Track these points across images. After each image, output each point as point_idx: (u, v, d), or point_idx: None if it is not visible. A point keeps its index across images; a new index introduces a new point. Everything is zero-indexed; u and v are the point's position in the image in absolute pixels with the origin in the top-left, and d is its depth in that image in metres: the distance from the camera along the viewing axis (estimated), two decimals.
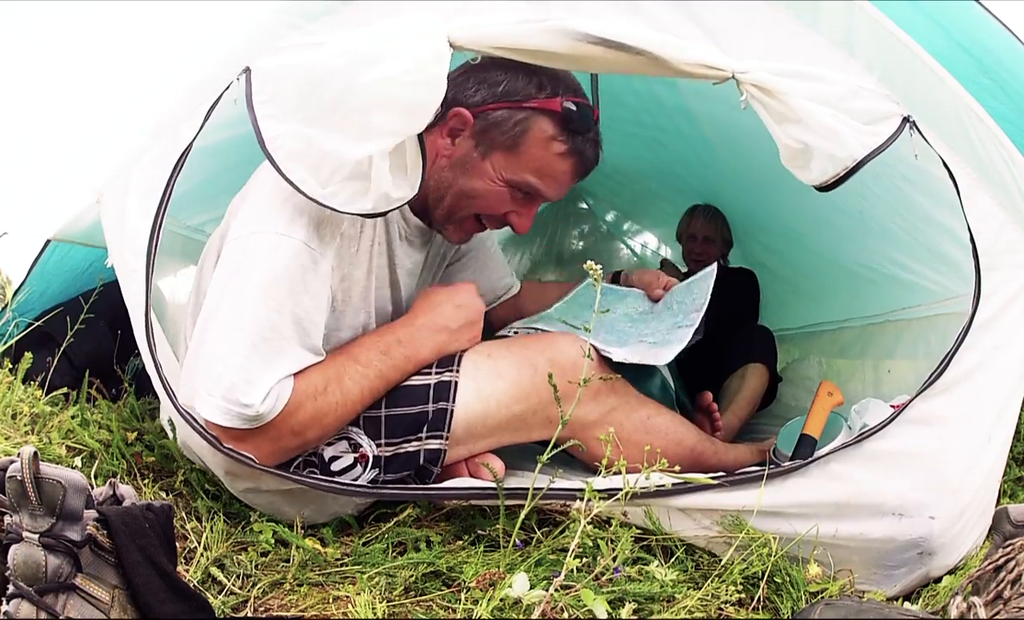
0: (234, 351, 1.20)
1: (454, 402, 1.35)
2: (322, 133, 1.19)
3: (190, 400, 1.24)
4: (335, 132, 1.19)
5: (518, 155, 1.38)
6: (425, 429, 1.35)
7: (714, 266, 1.73)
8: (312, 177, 1.20)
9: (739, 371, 2.43)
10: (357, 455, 1.35)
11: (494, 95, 1.37)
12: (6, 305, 1.74)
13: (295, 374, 1.26)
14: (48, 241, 1.80)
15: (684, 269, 3.07)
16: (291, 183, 1.20)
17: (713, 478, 1.27)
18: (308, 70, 1.20)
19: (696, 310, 1.59)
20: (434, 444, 1.36)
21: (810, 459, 1.29)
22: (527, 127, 1.37)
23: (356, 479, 1.36)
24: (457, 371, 1.38)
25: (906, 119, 1.26)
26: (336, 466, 1.35)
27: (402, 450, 1.36)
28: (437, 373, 1.39)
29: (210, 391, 1.20)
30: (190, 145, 1.29)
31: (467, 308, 1.44)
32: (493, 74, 1.39)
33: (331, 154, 1.20)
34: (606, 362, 1.44)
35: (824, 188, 1.27)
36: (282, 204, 1.25)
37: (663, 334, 1.59)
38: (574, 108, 1.37)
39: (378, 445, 1.36)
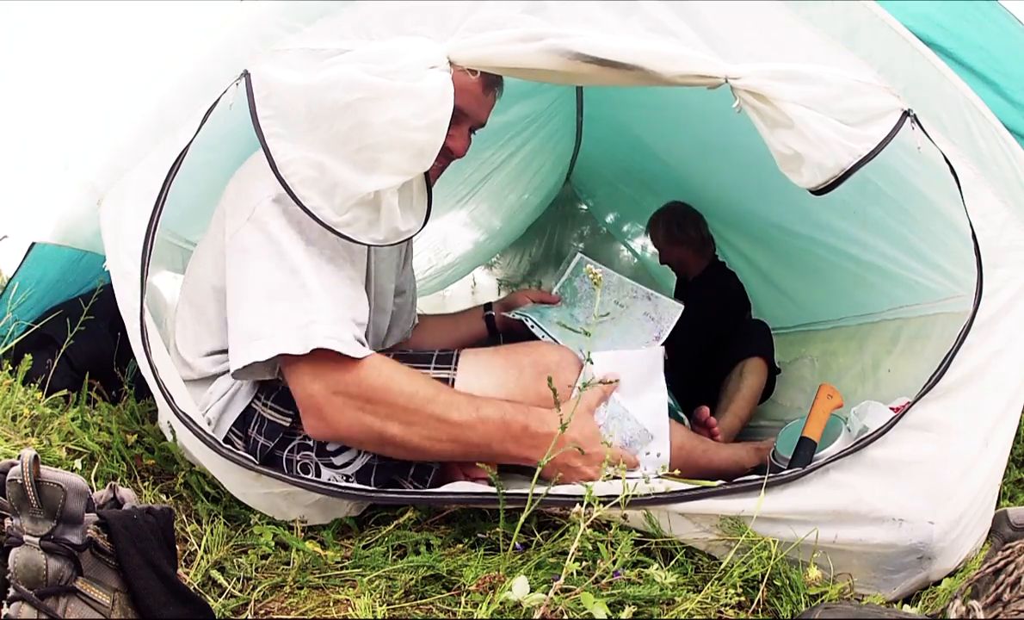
0: (284, 296, 1.28)
1: None
2: (334, 162, 1.24)
3: (250, 355, 1.28)
4: (347, 163, 1.25)
5: None
6: None
7: (681, 307, 1.86)
8: (327, 204, 1.26)
9: (737, 368, 2.42)
10: None
11: None
12: (4, 292, 1.74)
13: (394, 362, 1.33)
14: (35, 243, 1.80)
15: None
16: (307, 210, 1.26)
17: (714, 485, 1.27)
18: (317, 95, 1.22)
19: (656, 339, 1.74)
20: None
21: (810, 467, 1.29)
22: None
23: (351, 462, 1.39)
24: (455, 369, 1.44)
25: (906, 113, 1.26)
26: (332, 447, 1.39)
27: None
28: (436, 369, 1.43)
29: (271, 331, 1.26)
30: (186, 149, 1.30)
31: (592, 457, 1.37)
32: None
33: (343, 183, 1.25)
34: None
35: (817, 192, 1.28)
36: None
37: (629, 343, 1.76)
38: None
39: None
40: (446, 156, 1.50)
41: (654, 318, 1.82)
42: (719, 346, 2.58)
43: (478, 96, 1.46)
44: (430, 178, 1.41)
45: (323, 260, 1.32)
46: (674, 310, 1.84)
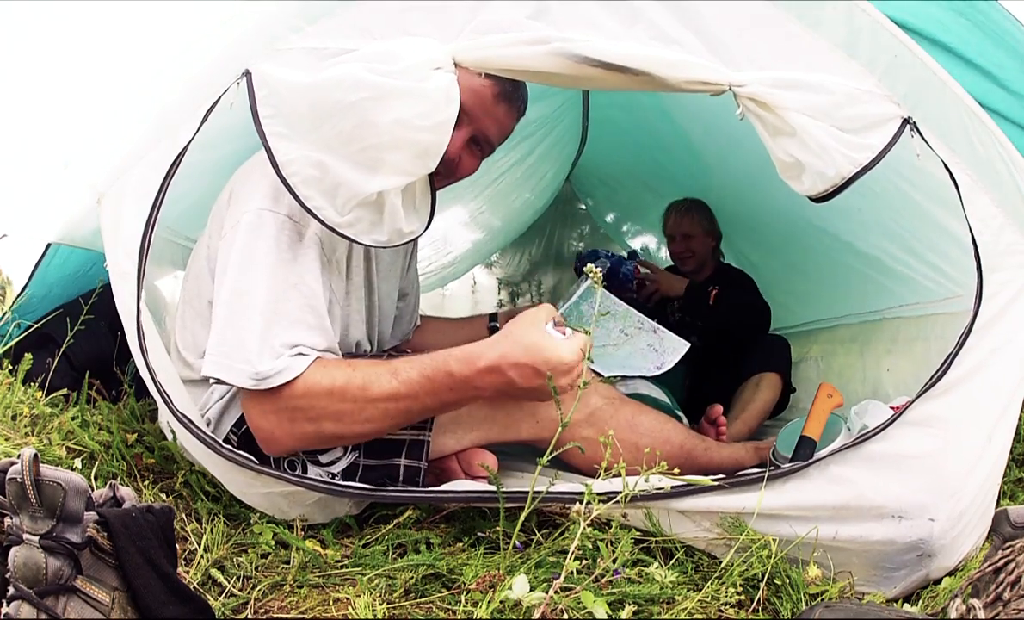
0: (241, 318, 1.25)
1: None
2: (336, 162, 1.24)
3: (213, 370, 1.27)
4: (350, 163, 1.24)
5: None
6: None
7: (687, 345, 1.86)
8: (329, 205, 1.25)
9: (754, 379, 2.42)
10: None
11: None
12: (7, 311, 1.75)
13: (315, 361, 1.28)
14: (49, 245, 1.81)
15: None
16: (309, 210, 1.25)
17: (713, 480, 1.27)
18: (321, 94, 1.22)
19: (657, 368, 1.77)
20: (417, 435, 1.39)
21: (810, 461, 1.30)
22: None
23: (336, 460, 1.38)
24: None
25: (906, 120, 1.26)
26: None
27: (384, 436, 1.38)
28: None
29: (226, 354, 1.25)
30: (185, 148, 1.30)
31: (556, 369, 1.24)
32: None
33: (346, 184, 1.24)
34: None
35: (817, 199, 1.28)
36: (271, 181, 1.28)
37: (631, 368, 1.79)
38: None
39: None
40: (450, 173, 1.48)
41: (658, 350, 1.84)
42: (739, 354, 2.58)
43: (504, 123, 1.48)
44: (434, 181, 1.41)
45: (287, 286, 1.29)
46: (680, 346, 1.85)
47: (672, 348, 1.85)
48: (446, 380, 1.27)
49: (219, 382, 1.30)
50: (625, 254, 3.08)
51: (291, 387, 1.25)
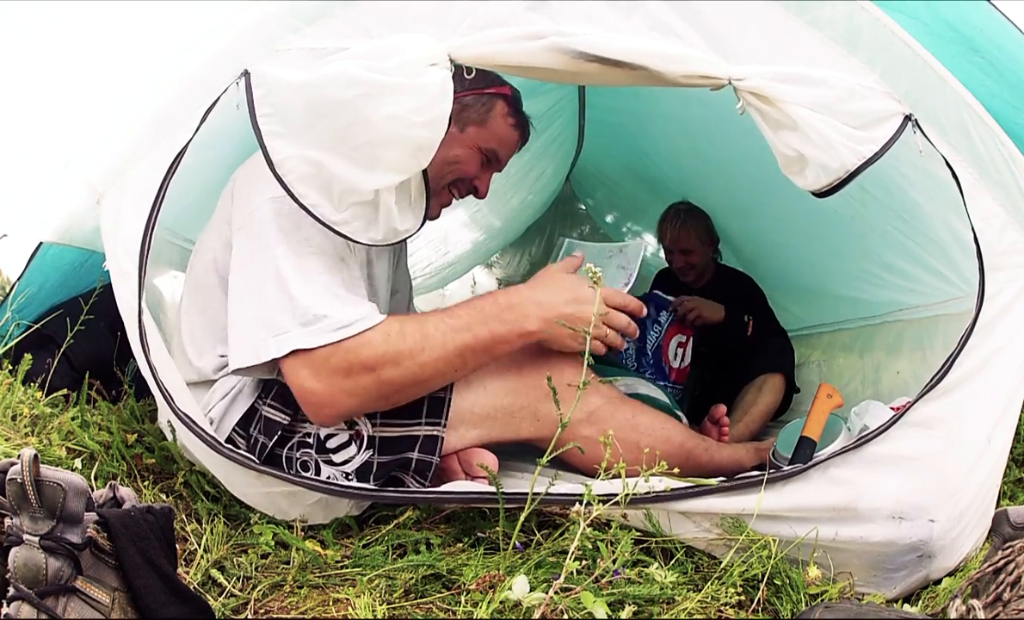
0: (289, 292, 1.28)
1: (452, 391, 1.41)
2: (333, 159, 1.24)
3: (257, 355, 1.28)
4: (345, 160, 1.24)
5: (486, 127, 1.59)
6: (424, 415, 1.40)
7: (644, 244, 1.99)
8: (325, 202, 1.26)
9: (757, 381, 2.41)
10: (352, 433, 1.38)
11: (463, 86, 1.48)
12: (6, 297, 1.75)
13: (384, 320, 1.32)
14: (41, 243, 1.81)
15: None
16: (304, 207, 1.25)
17: (714, 482, 1.27)
18: (315, 92, 1.21)
19: (626, 285, 1.81)
20: (432, 431, 1.39)
21: (811, 463, 1.29)
22: (491, 106, 1.59)
23: (351, 459, 1.38)
24: None
25: (908, 117, 1.26)
26: (332, 443, 1.38)
27: (397, 433, 1.39)
28: None
29: (284, 327, 1.26)
30: (184, 148, 1.30)
31: (582, 305, 1.41)
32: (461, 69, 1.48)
33: (341, 181, 1.24)
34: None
35: (820, 194, 1.28)
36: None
37: None
38: (517, 91, 1.66)
39: (373, 425, 1.38)
40: (464, 187, 1.61)
41: (625, 267, 1.90)
42: (742, 355, 2.57)
43: (513, 152, 1.63)
44: (431, 193, 1.43)
45: (314, 270, 1.31)
46: (638, 248, 1.92)
47: (635, 255, 1.91)
48: (492, 308, 1.37)
49: (240, 371, 1.31)
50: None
51: (359, 337, 1.28)
